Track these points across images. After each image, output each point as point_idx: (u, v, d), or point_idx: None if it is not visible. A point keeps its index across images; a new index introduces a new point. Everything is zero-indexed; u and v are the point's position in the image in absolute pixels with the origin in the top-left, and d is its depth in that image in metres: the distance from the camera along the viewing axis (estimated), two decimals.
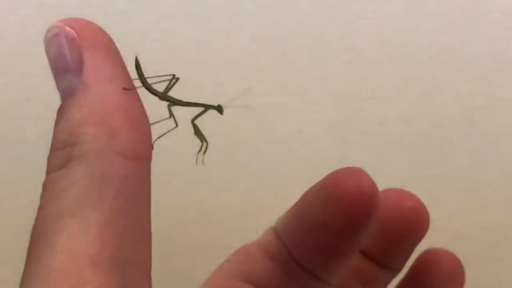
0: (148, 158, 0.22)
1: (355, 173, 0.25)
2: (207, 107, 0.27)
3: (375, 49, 0.53)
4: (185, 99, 0.27)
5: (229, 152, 0.52)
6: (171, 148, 0.51)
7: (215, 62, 0.53)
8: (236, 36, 0.53)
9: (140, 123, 0.22)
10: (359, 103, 0.53)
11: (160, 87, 0.27)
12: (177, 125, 0.26)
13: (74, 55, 0.22)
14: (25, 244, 0.21)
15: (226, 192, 0.52)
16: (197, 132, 0.27)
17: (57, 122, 0.22)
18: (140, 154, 0.22)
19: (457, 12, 0.53)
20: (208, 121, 0.27)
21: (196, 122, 0.27)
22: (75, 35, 0.22)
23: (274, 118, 0.53)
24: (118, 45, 0.23)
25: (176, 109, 0.27)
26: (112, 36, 0.23)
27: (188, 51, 0.52)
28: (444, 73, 0.53)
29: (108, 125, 0.21)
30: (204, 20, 0.53)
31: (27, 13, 0.52)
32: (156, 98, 0.26)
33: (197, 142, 0.28)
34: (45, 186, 0.22)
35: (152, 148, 0.23)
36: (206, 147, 0.27)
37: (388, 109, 0.53)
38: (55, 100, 0.23)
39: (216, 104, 0.28)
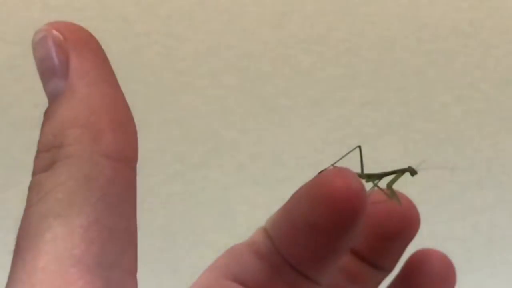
0: (134, 159, 0.23)
1: (343, 173, 0.25)
2: (400, 171, 0.29)
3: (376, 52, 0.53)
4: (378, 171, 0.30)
5: (230, 151, 0.53)
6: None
7: (216, 63, 0.53)
8: (237, 38, 0.53)
9: (126, 124, 0.23)
10: (359, 106, 0.53)
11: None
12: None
13: (60, 59, 0.22)
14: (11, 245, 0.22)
15: (225, 193, 0.52)
16: (393, 195, 0.28)
17: (43, 125, 0.23)
18: (125, 156, 0.22)
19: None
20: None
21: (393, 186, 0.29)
22: (62, 38, 0.23)
23: (274, 120, 0.53)
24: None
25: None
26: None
27: (187, 55, 0.53)
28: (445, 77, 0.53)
29: (93, 127, 0.22)
30: (202, 21, 0.53)
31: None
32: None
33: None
34: (30, 188, 0.22)
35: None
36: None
37: (388, 111, 0.53)
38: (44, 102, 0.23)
39: (406, 167, 0.30)
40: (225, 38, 0.54)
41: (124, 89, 0.23)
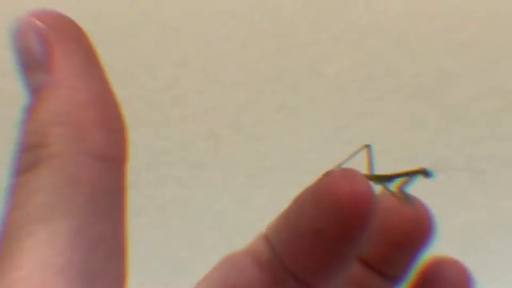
0: (124, 159, 0.21)
1: (350, 175, 0.23)
2: (412, 173, 0.27)
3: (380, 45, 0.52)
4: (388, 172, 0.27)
5: (232, 153, 0.52)
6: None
7: (217, 62, 0.52)
8: (238, 33, 0.52)
9: (114, 121, 0.21)
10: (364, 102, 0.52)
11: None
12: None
13: (43, 50, 0.21)
14: None
15: (225, 194, 0.52)
16: (406, 199, 0.27)
17: (24, 122, 0.21)
18: (113, 155, 0.21)
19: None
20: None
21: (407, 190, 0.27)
22: (45, 28, 0.21)
23: (276, 118, 0.52)
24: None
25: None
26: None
27: (189, 52, 0.52)
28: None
29: (77, 124, 0.20)
30: (203, 19, 0.53)
31: None
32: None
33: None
34: (12, 191, 0.20)
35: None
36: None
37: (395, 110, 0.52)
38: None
39: (421, 168, 0.27)
40: (227, 35, 0.53)
41: (119, 85, 0.22)
